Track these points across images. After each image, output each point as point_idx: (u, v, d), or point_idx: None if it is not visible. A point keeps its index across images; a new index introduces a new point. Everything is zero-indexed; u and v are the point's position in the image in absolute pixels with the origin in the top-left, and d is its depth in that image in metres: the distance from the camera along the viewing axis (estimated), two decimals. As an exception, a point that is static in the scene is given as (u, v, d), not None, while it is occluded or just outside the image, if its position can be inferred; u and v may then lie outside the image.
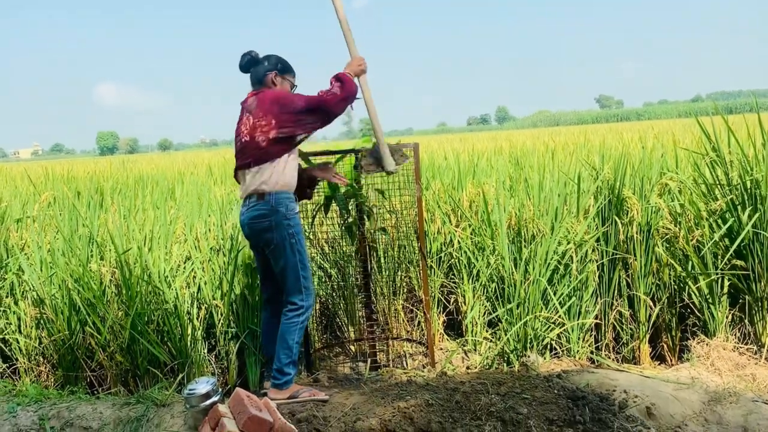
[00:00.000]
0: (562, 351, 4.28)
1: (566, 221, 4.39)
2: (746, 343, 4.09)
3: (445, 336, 5.00)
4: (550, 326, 4.26)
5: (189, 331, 4.23)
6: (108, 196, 6.74)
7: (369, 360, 4.39)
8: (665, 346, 4.38)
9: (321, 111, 3.50)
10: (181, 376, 4.01)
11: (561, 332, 4.28)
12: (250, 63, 3.67)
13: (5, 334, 4.36)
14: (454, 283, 5.06)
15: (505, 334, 4.21)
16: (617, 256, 4.33)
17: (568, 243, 4.30)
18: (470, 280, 4.83)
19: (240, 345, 4.32)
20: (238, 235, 4.52)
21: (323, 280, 5.00)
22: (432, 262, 5.05)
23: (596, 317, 4.37)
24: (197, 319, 4.35)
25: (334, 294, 4.92)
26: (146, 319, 4.16)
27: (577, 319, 4.27)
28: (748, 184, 4.04)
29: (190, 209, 5.43)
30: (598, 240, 4.43)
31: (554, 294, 4.23)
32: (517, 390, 3.51)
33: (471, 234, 4.96)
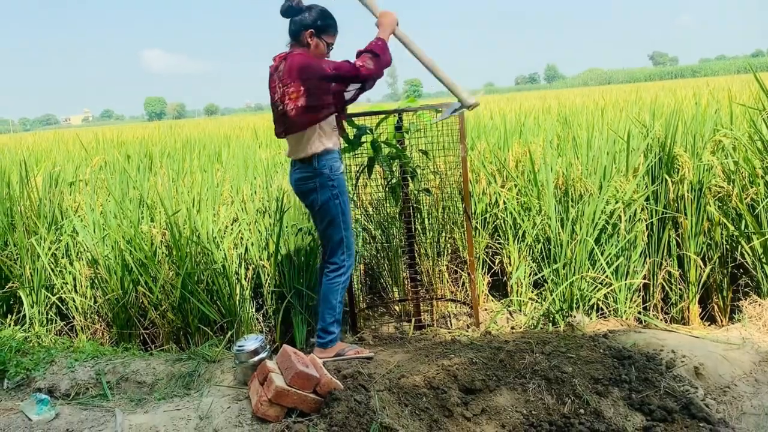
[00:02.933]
0: (609, 311, 4.23)
1: (615, 180, 4.30)
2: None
3: (490, 297, 4.99)
4: (596, 286, 4.20)
5: (237, 291, 4.32)
6: (157, 159, 6.87)
7: (413, 320, 4.42)
8: (716, 306, 4.29)
9: (351, 80, 3.39)
10: (230, 333, 4.11)
11: (608, 292, 4.22)
12: (290, 11, 3.51)
13: (62, 293, 4.53)
14: (499, 243, 5.03)
15: (551, 295, 4.18)
16: (667, 215, 4.23)
17: (617, 202, 4.22)
18: (515, 241, 4.79)
19: (286, 304, 4.40)
20: (283, 197, 4.57)
21: (367, 241, 5.03)
22: (477, 222, 5.02)
23: (644, 277, 4.30)
24: (245, 279, 4.44)
25: (378, 255, 4.96)
26: (196, 279, 4.26)
27: (625, 280, 4.20)
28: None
29: (237, 172, 5.50)
30: (647, 199, 4.33)
31: (601, 254, 4.16)
32: (562, 349, 3.49)
33: (517, 194, 4.91)
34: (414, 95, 4.75)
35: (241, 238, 4.64)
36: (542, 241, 4.46)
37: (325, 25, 3.51)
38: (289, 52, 3.52)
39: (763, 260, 3.97)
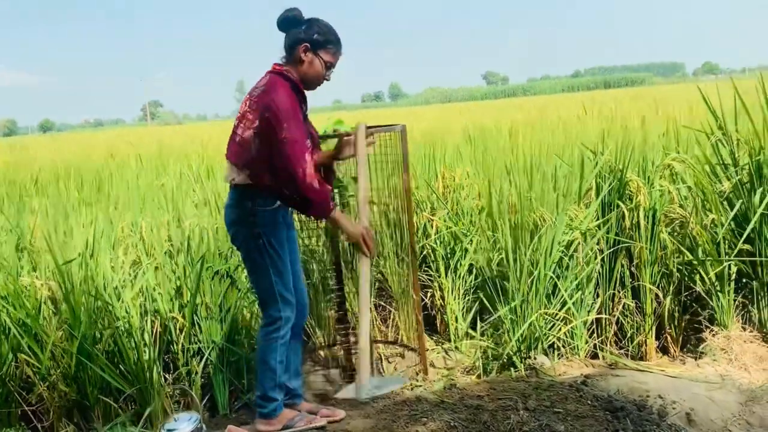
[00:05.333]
0: (566, 350, 3.94)
1: (566, 208, 4.02)
2: (751, 331, 3.90)
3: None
4: (554, 324, 3.89)
5: (144, 350, 3.60)
6: (25, 193, 5.80)
7: (346, 369, 3.92)
8: (668, 337, 4.12)
9: (286, 163, 2.85)
10: (148, 410, 3.37)
11: (565, 330, 3.92)
12: (286, 23, 2.97)
13: None
14: (430, 276, 4.66)
15: (509, 335, 3.82)
16: (622, 245, 4.01)
17: (573, 232, 3.94)
18: (448, 273, 4.45)
19: (204, 362, 3.75)
20: (201, 233, 3.91)
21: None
22: (404, 254, 4.59)
23: (598, 311, 4.05)
24: (152, 334, 3.72)
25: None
26: (93, 339, 3.50)
27: (583, 314, 3.92)
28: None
29: (131, 204, 4.70)
30: (600, 228, 4.09)
31: (560, 289, 3.86)
32: (547, 403, 3.13)
33: (446, 222, 4.60)
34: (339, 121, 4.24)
35: (145, 286, 3.90)
36: (492, 276, 4.07)
37: (324, 40, 2.97)
38: (277, 71, 2.97)
39: (718, 288, 3.85)
